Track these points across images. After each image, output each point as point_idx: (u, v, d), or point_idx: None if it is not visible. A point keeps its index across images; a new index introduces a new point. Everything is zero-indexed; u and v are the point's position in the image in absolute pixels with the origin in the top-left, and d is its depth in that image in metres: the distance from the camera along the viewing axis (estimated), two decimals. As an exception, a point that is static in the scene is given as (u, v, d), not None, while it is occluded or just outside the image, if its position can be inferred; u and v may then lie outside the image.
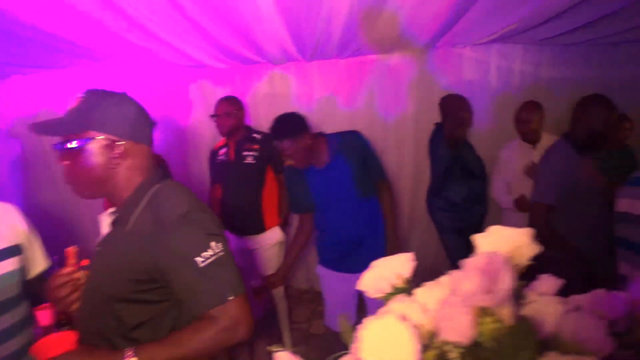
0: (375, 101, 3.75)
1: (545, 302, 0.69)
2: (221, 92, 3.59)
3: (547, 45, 3.55)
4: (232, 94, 3.23)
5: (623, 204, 1.93)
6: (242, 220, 3.05)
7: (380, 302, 0.75)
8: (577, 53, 3.62)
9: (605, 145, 2.31)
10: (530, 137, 3.13)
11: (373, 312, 0.68)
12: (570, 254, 2.21)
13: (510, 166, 3.21)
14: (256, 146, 3.04)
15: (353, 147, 2.28)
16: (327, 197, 2.33)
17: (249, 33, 2.70)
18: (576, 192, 2.24)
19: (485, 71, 3.63)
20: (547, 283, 0.74)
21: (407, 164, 3.83)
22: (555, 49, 3.61)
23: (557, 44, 3.55)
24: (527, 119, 3.09)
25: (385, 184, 2.45)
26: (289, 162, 2.29)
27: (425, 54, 3.58)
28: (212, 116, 3.07)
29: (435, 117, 3.29)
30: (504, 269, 0.60)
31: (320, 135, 2.37)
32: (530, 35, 3.25)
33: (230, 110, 3.02)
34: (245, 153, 3.03)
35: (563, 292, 0.73)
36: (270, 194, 3.14)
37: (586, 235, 2.27)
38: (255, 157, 3.04)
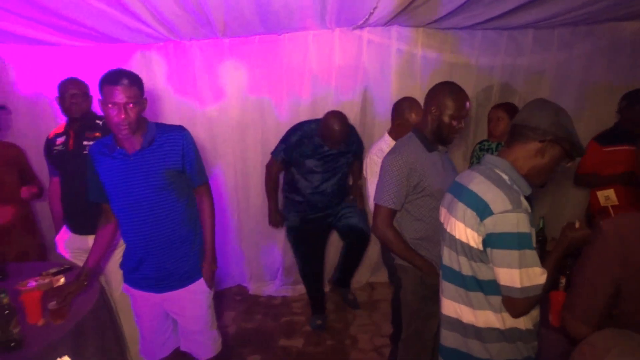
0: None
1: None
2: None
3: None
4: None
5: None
6: (85, 217, 2.54)
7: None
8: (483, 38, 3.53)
9: (448, 140, 2.03)
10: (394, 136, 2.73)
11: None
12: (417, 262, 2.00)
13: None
14: (98, 134, 2.62)
15: (172, 141, 1.91)
16: (125, 191, 1.89)
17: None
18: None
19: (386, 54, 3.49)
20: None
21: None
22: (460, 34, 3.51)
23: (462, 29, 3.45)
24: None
25: (206, 190, 2.11)
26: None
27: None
28: (59, 98, 2.62)
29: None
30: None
31: (144, 119, 1.94)
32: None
33: (85, 91, 2.67)
34: (86, 142, 2.59)
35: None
36: None
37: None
38: None
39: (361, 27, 3.39)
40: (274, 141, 3.65)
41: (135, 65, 3.47)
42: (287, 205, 3.37)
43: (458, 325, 1.55)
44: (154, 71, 3.52)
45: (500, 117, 2.96)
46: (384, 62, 3.55)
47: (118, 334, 2.30)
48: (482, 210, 1.38)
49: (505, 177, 1.43)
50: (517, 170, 1.44)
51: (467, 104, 1.99)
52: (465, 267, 1.48)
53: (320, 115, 3.34)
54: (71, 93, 2.61)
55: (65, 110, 2.63)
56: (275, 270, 3.95)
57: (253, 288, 3.94)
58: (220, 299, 3.82)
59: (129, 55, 3.47)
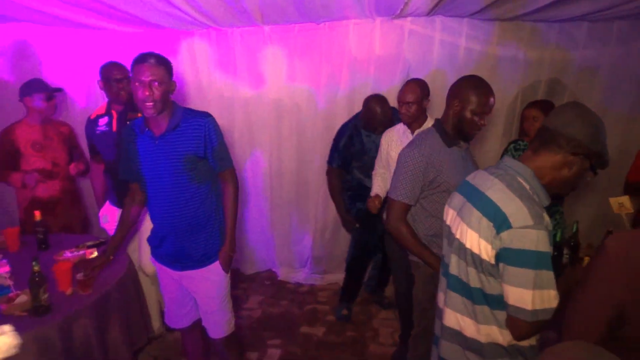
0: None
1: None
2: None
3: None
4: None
5: None
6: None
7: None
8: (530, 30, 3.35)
9: (469, 136, 1.95)
10: (407, 121, 2.66)
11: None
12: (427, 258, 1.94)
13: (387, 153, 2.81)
14: (140, 114, 2.58)
15: (196, 127, 1.94)
16: (150, 171, 1.98)
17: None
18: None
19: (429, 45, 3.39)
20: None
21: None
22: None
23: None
24: (406, 101, 2.60)
25: (230, 176, 2.11)
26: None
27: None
28: (103, 81, 2.70)
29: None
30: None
31: (172, 102, 2.00)
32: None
33: (128, 75, 2.69)
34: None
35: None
36: None
37: None
38: None
39: (402, 16, 3.32)
40: (310, 129, 3.68)
41: (178, 50, 3.59)
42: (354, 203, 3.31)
43: (460, 338, 1.47)
44: (196, 57, 3.62)
45: (536, 117, 2.80)
46: (426, 53, 3.46)
47: (143, 309, 2.42)
48: (501, 222, 1.26)
49: (527, 186, 1.31)
50: (538, 179, 1.33)
51: (492, 99, 1.89)
52: (473, 279, 1.37)
53: (357, 105, 3.32)
54: (116, 78, 2.69)
55: (112, 93, 2.71)
56: (305, 258, 3.99)
57: (282, 274, 4.01)
58: (251, 282, 3.92)
59: (173, 41, 3.60)
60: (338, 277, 3.85)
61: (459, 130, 1.95)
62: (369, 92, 3.46)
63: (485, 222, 1.30)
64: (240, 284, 3.89)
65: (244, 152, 3.81)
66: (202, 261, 2.06)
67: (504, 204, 1.27)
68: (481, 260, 1.32)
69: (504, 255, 1.26)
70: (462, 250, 1.40)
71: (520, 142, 2.96)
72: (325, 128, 3.61)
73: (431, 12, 3.23)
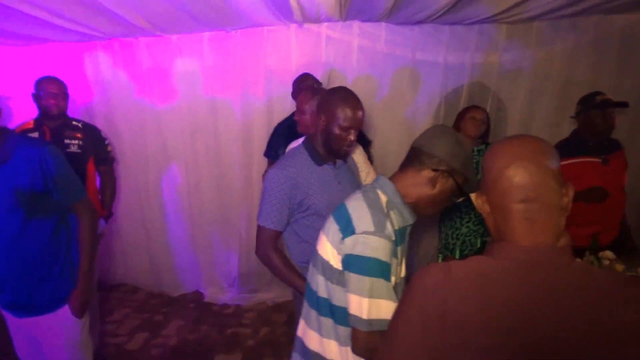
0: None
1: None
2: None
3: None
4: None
5: None
6: None
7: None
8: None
9: (340, 153, 1.79)
10: (303, 130, 2.43)
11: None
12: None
13: None
14: (79, 135, 2.80)
15: (28, 159, 1.69)
16: None
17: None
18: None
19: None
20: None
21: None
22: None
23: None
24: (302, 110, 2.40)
25: (83, 208, 1.87)
26: None
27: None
28: (36, 95, 2.70)
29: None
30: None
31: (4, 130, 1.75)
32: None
33: (65, 91, 2.77)
34: (68, 141, 2.75)
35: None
36: (92, 186, 2.92)
37: None
38: (80, 147, 2.79)
39: (317, 22, 3.16)
40: (225, 143, 3.50)
41: (82, 64, 3.38)
42: None
43: (303, 349, 1.41)
44: (100, 69, 3.41)
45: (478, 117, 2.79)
46: (346, 59, 3.31)
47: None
48: (345, 227, 1.27)
49: (384, 198, 1.31)
50: (401, 196, 1.32)
51: (359, 113, 1.73)
52: (321, 287, 1.35)
53: (278, 115, 3.15)
54: (51, 92, 2.68)
55: (44, 108, 2.70)
56: (232, 277, 3.79)
57: (209, 295, 3.79)
58: (174, 306, 3.70)
59: (75, 55, 3.38)
60: (267, 296, 3.67)
61: (329, 147, 1.78)
62: (289, 101, 3.30)
63: (334, 227, 1.31)
64: (163, 307, 3.67)
65: (159, 168, 3.60)
66: (48, 307, 1.83)
67: (353, 211, 1.29)
68: (330, 267, 1.31)
69: (346, 262, 1.25)
70: (317, 259, 1.38)
71: None
72: (245, 140, 3.43)
73: (346, 17, 3.09)
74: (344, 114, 1.70)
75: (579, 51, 3.21)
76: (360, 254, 1.21)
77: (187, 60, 3.35)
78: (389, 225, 1.23)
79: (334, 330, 1.33)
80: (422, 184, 1.32)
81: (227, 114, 3.45)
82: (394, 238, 1.24)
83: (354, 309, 1.21)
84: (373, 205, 1.27)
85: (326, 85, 3.30)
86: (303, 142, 1.86)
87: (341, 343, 1.32)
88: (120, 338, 3.23)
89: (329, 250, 1.31)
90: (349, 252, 1.23)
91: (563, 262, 0.86)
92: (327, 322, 1.34)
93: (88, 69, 3.40)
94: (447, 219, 2.91)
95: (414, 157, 1.33)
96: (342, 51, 3.29)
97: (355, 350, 1.24)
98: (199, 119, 3.47)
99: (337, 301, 1.30)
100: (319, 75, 3.26)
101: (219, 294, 3.79)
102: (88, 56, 3.37)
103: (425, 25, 3.20)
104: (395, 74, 3.33)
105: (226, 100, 3.43)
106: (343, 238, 1.25)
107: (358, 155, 2.42)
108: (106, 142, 2.98)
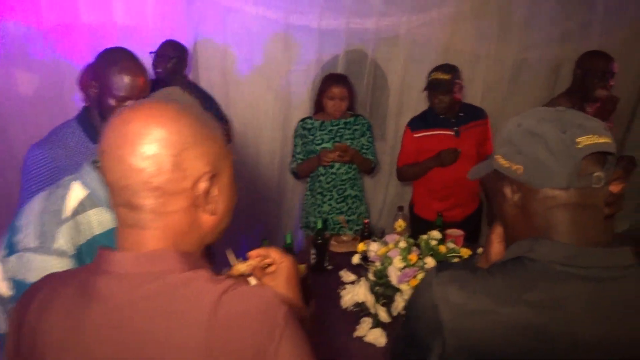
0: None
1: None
2: None
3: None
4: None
5: None
6: None
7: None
8: None
9: None
10: None
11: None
12: None
13: None
14: None
15: None
16: None
17: None
18: None
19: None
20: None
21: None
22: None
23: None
24: None
25: None
26: None
27: None
28: None
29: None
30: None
31: None
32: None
33: None
34: None
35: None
36: None
37: None
38: None
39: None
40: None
41: None
42: None
43: None
44: None
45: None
46: (217, 25, 3.00)
47: None
48: None
49: None
50: None
51: (141, 80, 1.46)
52: None
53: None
54: None
55: None
56: None
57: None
58: None
59: None
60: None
61: (104, 120, 1.50)
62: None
63: None
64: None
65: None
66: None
67: None
68: None
69: None
70: None
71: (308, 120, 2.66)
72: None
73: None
74: (117, 80, 1.42)
75: (459, 18, 3.08)
76: None
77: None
78: None
79: None
80: None
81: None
82: None
83: None
84: None
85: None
86: (78, 114, 1.57)
87: None
88: None
89: None
90: None
91: None
92: None
93: None
94: None
95: None
96: (210, 15, 2.98)
97: None
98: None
99: None
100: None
101: None
102: None
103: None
104: (270, 41, 3.06)
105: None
106: None
107: None
108: None
